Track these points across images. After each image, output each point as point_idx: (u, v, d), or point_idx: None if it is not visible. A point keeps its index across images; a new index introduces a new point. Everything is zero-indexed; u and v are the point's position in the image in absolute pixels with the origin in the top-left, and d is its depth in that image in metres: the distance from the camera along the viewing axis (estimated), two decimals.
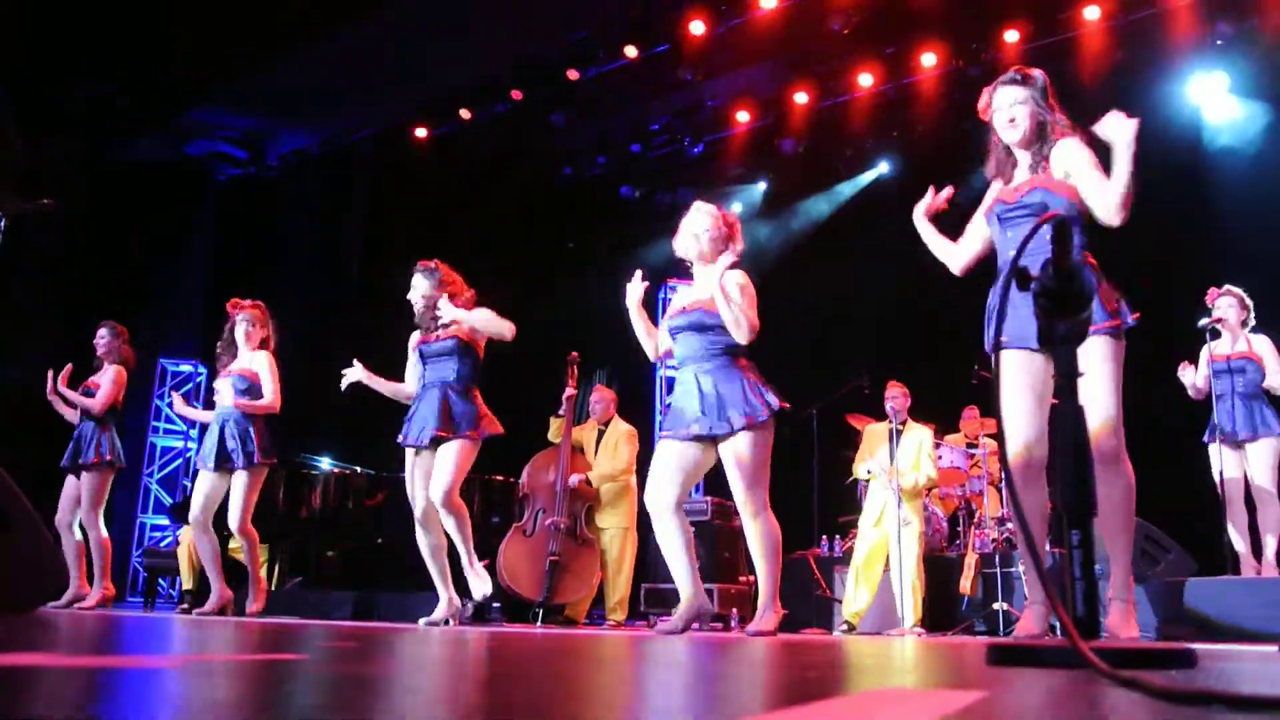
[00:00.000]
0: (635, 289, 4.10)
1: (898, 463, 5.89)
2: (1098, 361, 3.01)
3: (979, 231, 3.39)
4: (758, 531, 3.87)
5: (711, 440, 3.90)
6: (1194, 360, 5.57)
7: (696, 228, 4.05)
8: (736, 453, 3.83)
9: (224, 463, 5.40)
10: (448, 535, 4.61)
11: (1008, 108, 3.20)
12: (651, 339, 4.15)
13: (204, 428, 5.92)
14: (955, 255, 3.47)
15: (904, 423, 6.05)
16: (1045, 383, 3.13)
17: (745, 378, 3.90)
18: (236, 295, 5.78)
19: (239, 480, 5.38)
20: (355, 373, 4.80)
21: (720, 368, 3.90)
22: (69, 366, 6.03)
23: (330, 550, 7.60)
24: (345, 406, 8.61)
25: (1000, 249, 3.27)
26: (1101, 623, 3.19)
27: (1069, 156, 3.14)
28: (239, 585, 6.03)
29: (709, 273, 4.02)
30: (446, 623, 4.59)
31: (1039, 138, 3.19)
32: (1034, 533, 3.11)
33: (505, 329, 4.61)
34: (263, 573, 5.52)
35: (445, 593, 4.65)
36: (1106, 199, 3.02)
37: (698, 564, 4.04)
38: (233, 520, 5.38)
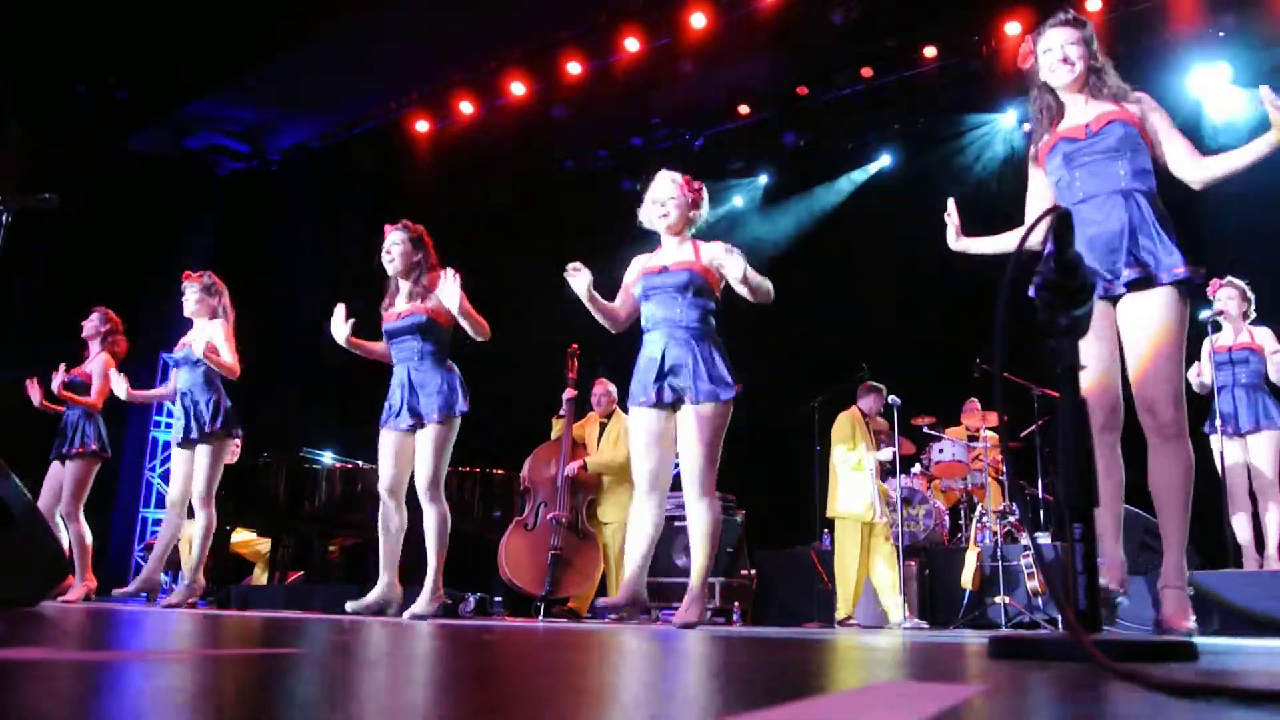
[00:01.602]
0: (583, 277, 3.91)
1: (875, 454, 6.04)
2: (1163, 317, 2.78)
3: (1041, 195, 3.15)
4: (704, 514, 3.72)
5: (673, 406, 3.81)
6: (1196, 354, 5.57)
7: (663, 195, 3.95)
8: (699, 420, 3.71)
9: (189, 438, 5.32)
10: (425, 535, 4.47)
11: (1060, 47, 3.03)
12: (611, 317, 4.00)
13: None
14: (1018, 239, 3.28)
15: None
16: (1112, 328, 2.93)
17: (719, 348, 3.83)
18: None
19: (200, 453, 5.29)
20: (340, 328, 4.57)
21: (697, 335, 3.80)
22: (62, 370, 5.92)
23: (332, 545, 7.61)
24: (346, 400, 8.59)
25: (1062, 192, 3.02)
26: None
27: (1153, 107, 3.00)
28: (239, 579, 6.01)
29: (675, 242, 3.97)
30: (381, 610, 4.39)
31: (1088, 84, 3.04)
32: (1114, 503, 2.87)
33: (483, 327, 4.44)
34: (199, 571, 5.26)
35: (386, 576, 4.46)
36: (1198, 171, 2.92)
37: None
38: (194, 495, 5.24)
